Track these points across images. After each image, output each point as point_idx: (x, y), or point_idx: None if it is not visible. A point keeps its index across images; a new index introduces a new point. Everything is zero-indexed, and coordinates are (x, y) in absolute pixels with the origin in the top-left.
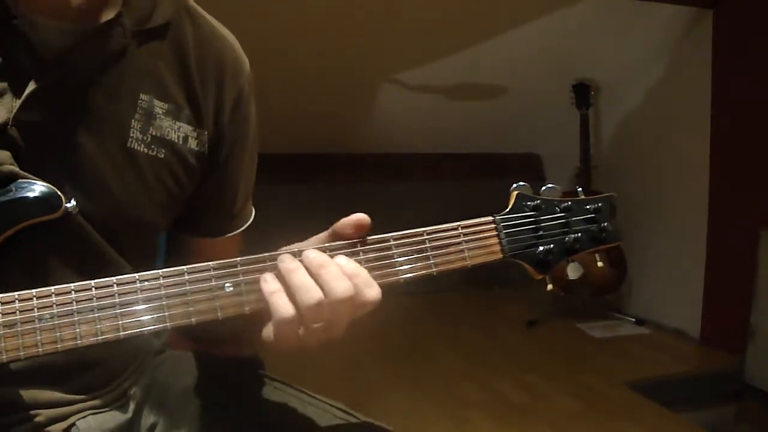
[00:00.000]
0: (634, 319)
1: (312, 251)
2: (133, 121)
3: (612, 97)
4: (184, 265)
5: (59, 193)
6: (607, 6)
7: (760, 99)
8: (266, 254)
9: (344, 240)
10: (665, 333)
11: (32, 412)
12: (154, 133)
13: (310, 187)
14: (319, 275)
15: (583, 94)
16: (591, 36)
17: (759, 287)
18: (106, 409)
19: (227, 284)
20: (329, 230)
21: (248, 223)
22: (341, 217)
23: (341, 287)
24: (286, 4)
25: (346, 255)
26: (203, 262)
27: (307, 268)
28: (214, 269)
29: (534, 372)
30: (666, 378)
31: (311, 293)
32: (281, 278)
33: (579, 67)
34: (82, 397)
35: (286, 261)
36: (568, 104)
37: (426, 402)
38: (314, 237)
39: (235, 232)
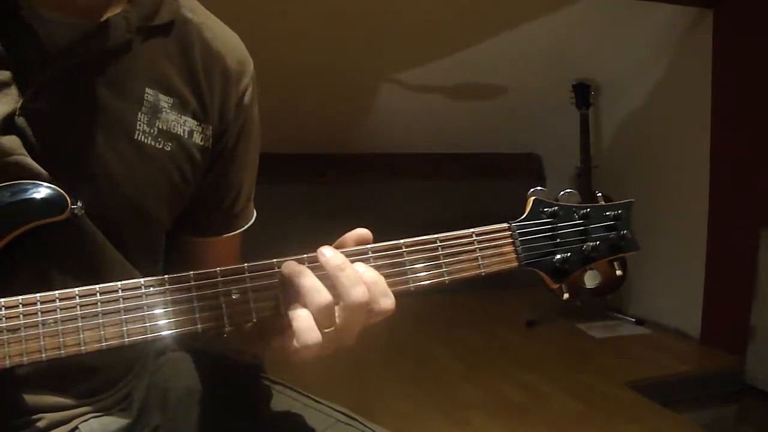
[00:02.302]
0: (634, 319)
1: (328, 250)
2: (139, 114)
3: (612, 97)
4: (182, 266)
5: (65, 194)
6: (607, 6)
7: (760, 99)
8: (274, 260)
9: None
10: (665, 333)
11: (35, 416)
12: (160, 127)
13: (310, 187)
14: (337, 277)
15: (583, 94)
16: (591, 36)
17: (759, 287)
18: (108, 412)
19: (234, 291)
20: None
21: (249, 224)
22: (341, 217)
23: (357, 292)
24: (286, 5)
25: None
26: (202, 263)
27: (325, 268)
28: (222, 275)
29: (534, 372)
30: (666, 378)
31: (321, 294)
32: (288, 283)
33: (579, 67)
34: (85, 400)
35: (292, 265)
36: (568, 104)
37: (426, 403)
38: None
39: (235, 232)
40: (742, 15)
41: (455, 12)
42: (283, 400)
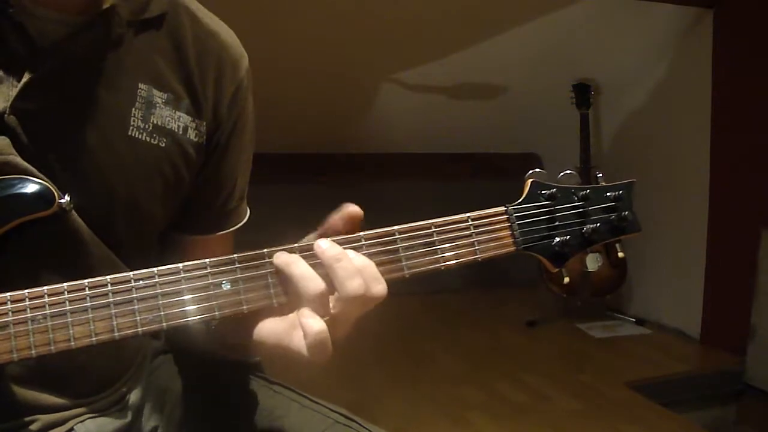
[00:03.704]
0: (634, 319)
1: (325, 242)
2: (133, 110)
3: (612, 97)
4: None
5: (53, 188)
6: (607, 6)
7: (760, 99)
8: (264, 250)
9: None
10: (665, 333)
11: (30, 417)
12: (155, 122)
13: (310, 187)
14: (333, 269)
15: (583, 94)
16: (591, 36)
17: (759, 287)
18: (104, 413)
19: (224, 282)
20: (319, 229)
21: (242, 222)
22: None
23: (353, 284)
24: (285, 4)
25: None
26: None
27: (321, 259)
28: (211, 266)
29: (534, 372)
30: (666, 378)
31: (314, 283)
32: (280, 273)
33: (579, 67)
34: (81, 401)
35: (282, 255)
36: (568, 104)
37: (426, 403)
38: (306, 238)
39: (228, 230)
40: (742, 15)
41: (455, 12)
42: (281, 401)
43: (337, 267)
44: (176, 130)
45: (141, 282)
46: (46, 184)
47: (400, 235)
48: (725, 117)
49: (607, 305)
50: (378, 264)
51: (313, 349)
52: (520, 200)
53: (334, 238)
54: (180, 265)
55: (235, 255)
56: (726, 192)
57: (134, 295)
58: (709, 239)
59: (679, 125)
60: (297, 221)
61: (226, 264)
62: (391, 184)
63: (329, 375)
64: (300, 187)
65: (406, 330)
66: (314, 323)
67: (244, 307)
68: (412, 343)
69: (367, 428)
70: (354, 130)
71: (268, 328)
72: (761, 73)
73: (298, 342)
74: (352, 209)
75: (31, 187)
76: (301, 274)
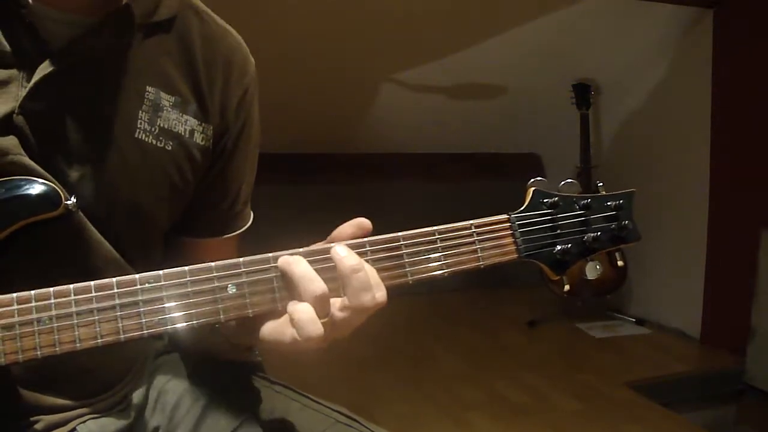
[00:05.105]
0: (634, 319)
1: (343, 249)
2: (140, 112)
3: (612, 97)
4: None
5: (59, 190)
6: (607, 6)
7: (760, 99)
8: (270, 254)
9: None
10: (665, 333)
11: (33, 418)
12: (162, 125)
13: (309, 187)
14: (350, 279)
15: (583, 94)
16: (591, 36)
17: (759, 287)
18: (106, 413)
19: (230, 285)
20: (328, 238)
21: (246, 226)
22: (340, 218)
23: (367, 297)
24: (286, 5)
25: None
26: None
27: (338, 267)
28: (217, 270)
29: (534, 372)
30: (666, 378)
31: (315, 284)
32: (282, 274)
33: (579, 67)
34: (83, 402)
35: (286, 257)
36: (568, 104)
37: (426, 404)
38: (314, 245)
39: (232, 234)
40: (742, 15)
41: (456, 12)
42: (282, 401)
43: (354, 278)
44: (183, 134)
45: (147, 284)
46: (53, 185)
47: (404, 241)
48: (725, 117)
49: (607, 305)
50: (382, 270)
51: (301, 330)
52: (522, 208)
53: (337, 244)
54: (186, 268)
55: (240, 258)
56: (726, 192)
57: (140, 298)
58: (709, 239)
59: (679, 125)
60: (297, 221)
61: (231, 268)
62: (391, 184)
63: (330, 375)
64: (300, 187)
65: (406, 330)
66: (300, 306)
67: (249, 310)
68: (412, 343)
69: (367, 428)
70: (354, 130)
71: (270, 329)
72: (761, 73)
73: (291, 333)
74: (361, 220)
75: (37, 188)
76: (303, 275)
